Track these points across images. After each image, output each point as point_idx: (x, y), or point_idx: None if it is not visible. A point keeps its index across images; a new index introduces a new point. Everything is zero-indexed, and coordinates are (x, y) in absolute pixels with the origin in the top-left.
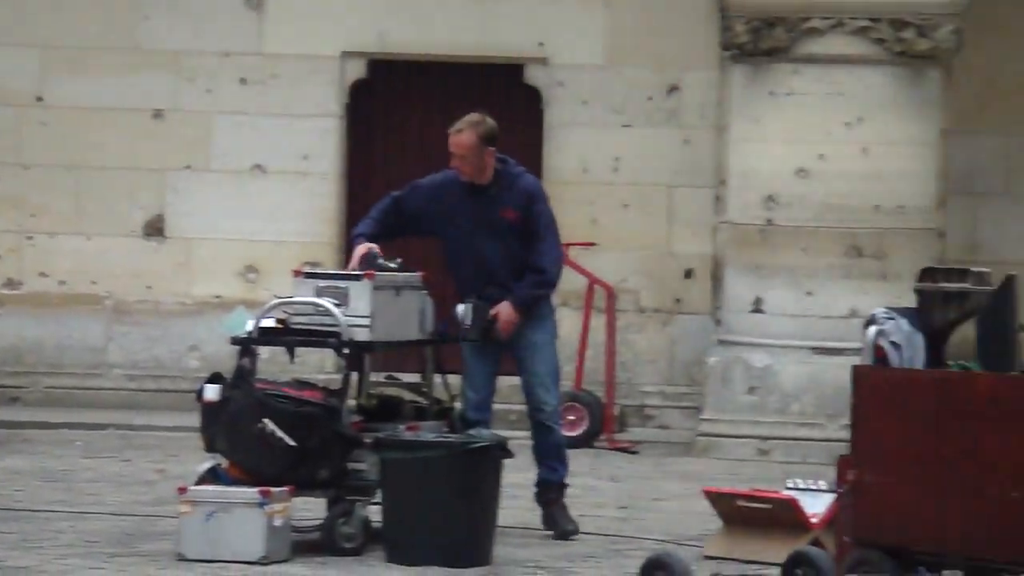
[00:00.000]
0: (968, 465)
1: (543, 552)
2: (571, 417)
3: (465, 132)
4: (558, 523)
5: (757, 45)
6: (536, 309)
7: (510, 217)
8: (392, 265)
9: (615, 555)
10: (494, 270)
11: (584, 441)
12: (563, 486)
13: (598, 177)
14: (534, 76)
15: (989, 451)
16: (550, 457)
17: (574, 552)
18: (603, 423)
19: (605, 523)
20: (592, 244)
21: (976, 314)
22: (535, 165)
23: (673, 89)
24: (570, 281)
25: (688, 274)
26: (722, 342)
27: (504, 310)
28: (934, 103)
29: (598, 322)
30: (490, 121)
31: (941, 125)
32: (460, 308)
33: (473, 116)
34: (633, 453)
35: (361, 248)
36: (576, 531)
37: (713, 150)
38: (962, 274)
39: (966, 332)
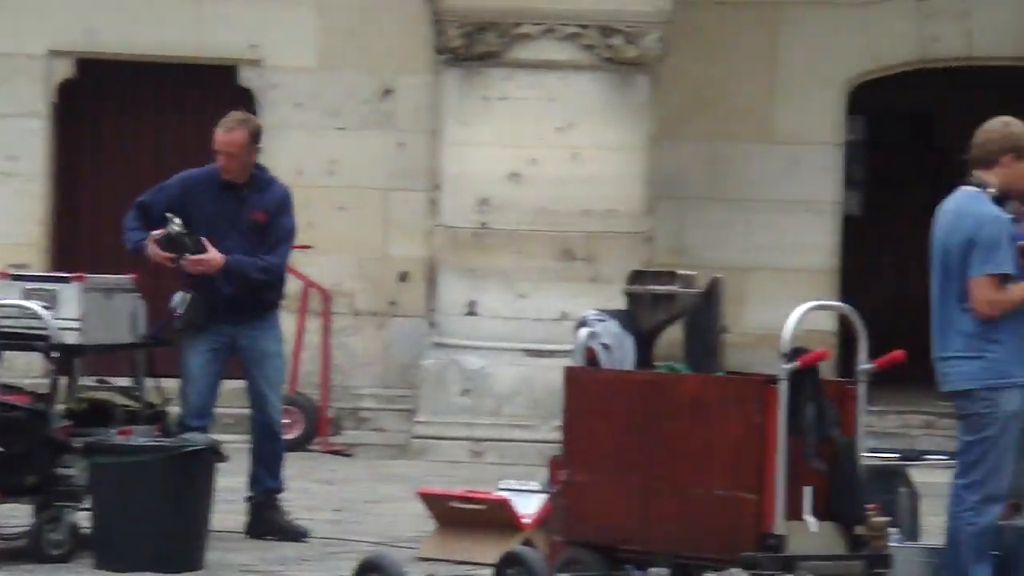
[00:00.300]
0: (675, 464)
1: (256, 556)
2: (286, 421)
3: (237, 130)
4: (283, 527)
5: (470, 50)
6: (268, 318)
7: (259, 219)
8: (175, 224)
9: (329, 558)
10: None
11: (299, 444)
12: (280, 492)
13: (313, 180)
14: (247, 78)
15: (695, 450)
16: (273, 464)
17: (287, 556)
18: (318, 426)
19: (319, 526)
20: (307, 247)
21: (683, 316)
22: None
23: (387, 92)
24: (286, 284)
25: (403, 277)
26: (437, 345)
27: (214, 253)
28: (642, 109)
29: (313, 325)
30: (255, 119)
31: (649, 131)
32: (177, 296)
33: (239, 114)
34: (348, 456)
35: (153, 247)
36: (307, 533)
37: (428, 154)
38: (670, 277)
39: (674, 333)
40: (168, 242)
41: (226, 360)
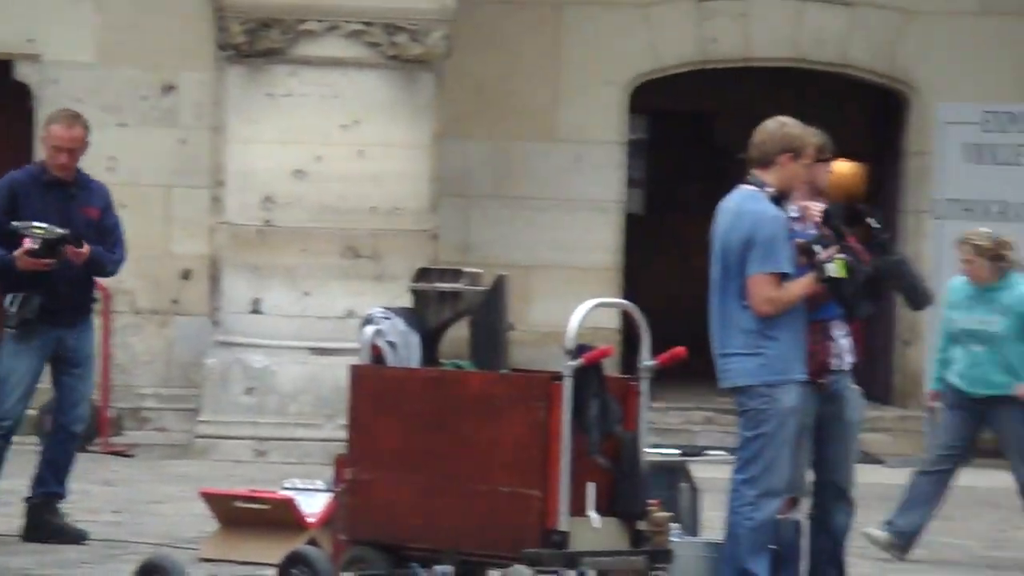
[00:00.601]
0: (460, 462)
1: (34, 559)
2: None
3: (77, 126)
4: (62, 529)
5: (253, 46)
6: (89, 319)
7: (93, 216)
8: (40, 228)
9: (110, 560)
10: (72, 266)
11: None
12: (62, 498)
13: (93, 177)
14: (24, 73)
15: (480, 448)
16: (63, 468)
17: (67, 559)
18: (98, 427)
19: (99, 528)
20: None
21: (469, 314)
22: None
23: (169, 89)
24: None
25: (186, 275)
26: (220, 343)
27: (85, 245)
28: (427, 107)
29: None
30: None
31: (434, 129)
32: (9, 296)
33: (69, 110)
34: (129, 456)
35: (26, 259)
36: (86, 535)
37: (211, 150)
38: (455, 274)
39: (459, 331)
40: (47, 248)
41: (44, 363)
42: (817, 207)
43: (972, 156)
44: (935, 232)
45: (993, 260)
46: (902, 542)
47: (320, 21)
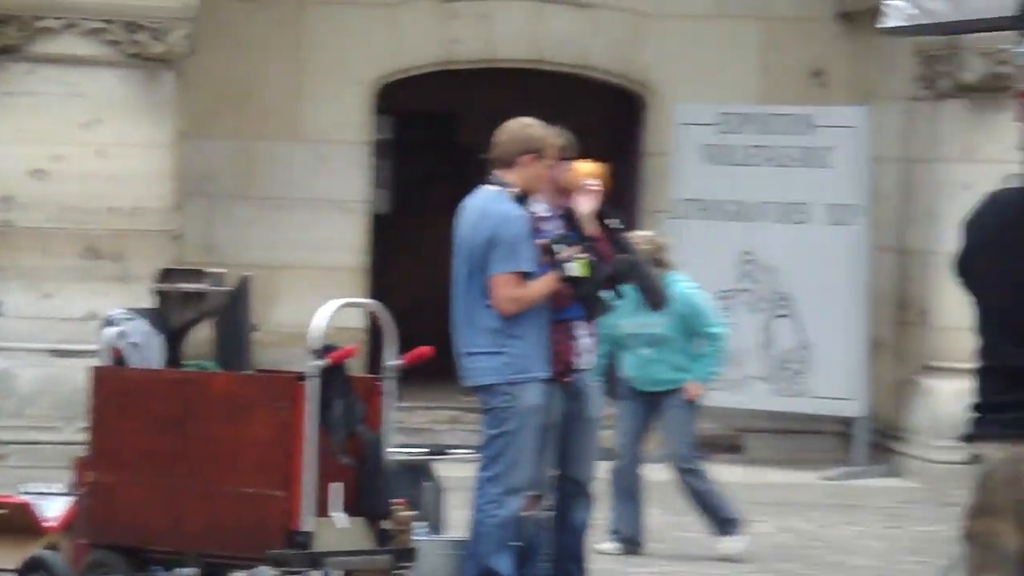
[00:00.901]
0: (204, 463)
1: None
2: None
3: None
4: None
5: None
6: None
7: None
8: None
9: None
10: None
11: None
12: None
13: None
14: None
15: (225, 449)
16: None
17: None
18: None
19: None
20: None
21: (212, 314)
22: None
23: None
24: None
25: None
26: None
27: None
28: (169, 106)
29: None
30: None
31: (177, 127)
32: None
33: None
34: None
35: None
36: None
37: None
38: (199, 275)
39: (203, 332)
40: None
41: None
42: (596, 191)
43: (709, 157)
44: (673, 232)
45: (654, 263)
46: (633, 545)
47: (58, 18)
